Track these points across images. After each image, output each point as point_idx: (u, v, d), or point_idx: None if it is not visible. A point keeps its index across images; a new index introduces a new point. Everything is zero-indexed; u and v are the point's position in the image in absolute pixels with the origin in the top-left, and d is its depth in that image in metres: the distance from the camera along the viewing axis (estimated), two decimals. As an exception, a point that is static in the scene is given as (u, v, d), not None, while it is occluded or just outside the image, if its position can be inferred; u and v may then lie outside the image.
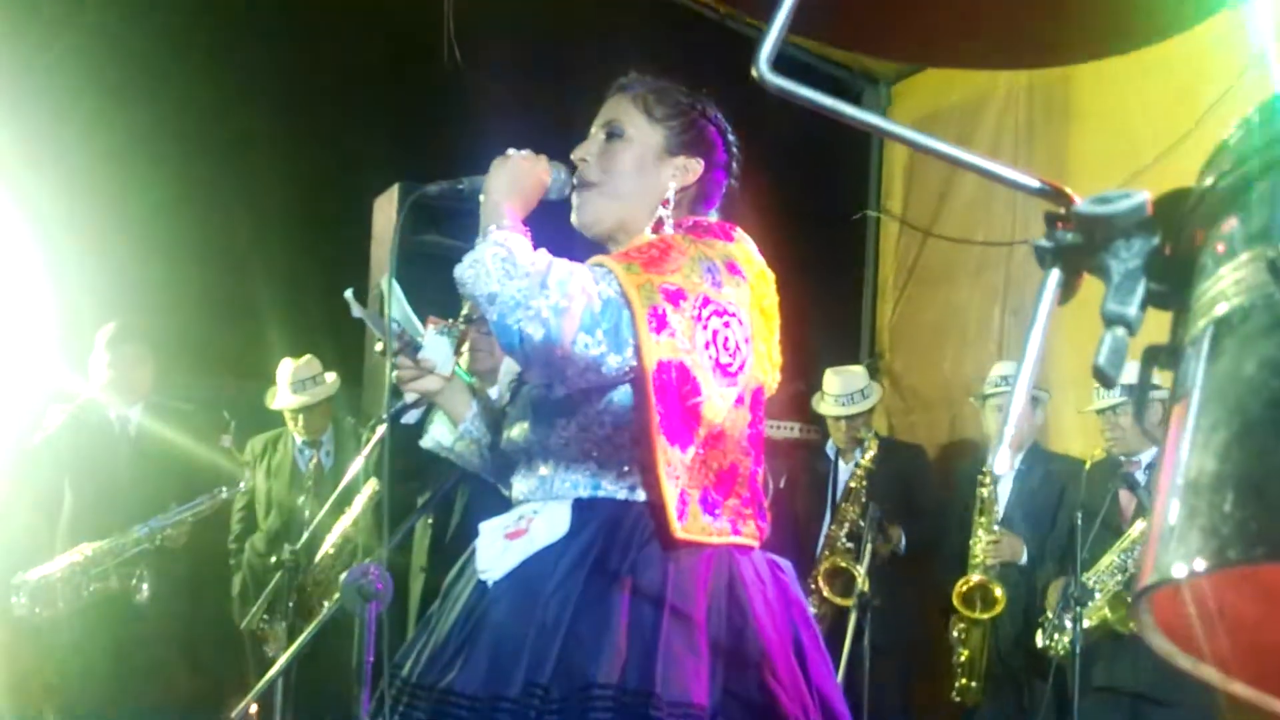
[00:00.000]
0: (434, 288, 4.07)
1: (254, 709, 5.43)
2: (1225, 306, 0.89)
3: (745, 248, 2.42)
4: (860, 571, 4.94)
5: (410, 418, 3.68)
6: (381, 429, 3.53)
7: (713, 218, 2.55)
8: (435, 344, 2.45)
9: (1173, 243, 1.02)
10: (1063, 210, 1.07)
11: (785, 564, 2.40)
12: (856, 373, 6.10)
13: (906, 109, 7.22)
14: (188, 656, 5.25)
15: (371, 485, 4.22)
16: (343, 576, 2.55)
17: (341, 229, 6.06)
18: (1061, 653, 4.65)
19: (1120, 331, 1.04)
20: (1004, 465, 1.04)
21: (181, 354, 5.44)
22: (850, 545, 5.50)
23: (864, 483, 5.67)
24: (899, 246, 7.36)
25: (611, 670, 2.04)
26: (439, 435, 2.62)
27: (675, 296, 2.17)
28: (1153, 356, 1.08)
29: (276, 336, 5.73)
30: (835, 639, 4.87)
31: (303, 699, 4.40)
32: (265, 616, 4.29)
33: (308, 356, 5.32)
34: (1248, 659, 1.06)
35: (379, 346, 2.44)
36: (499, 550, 2.25)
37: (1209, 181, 0.96)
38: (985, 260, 6.77)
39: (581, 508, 2.23)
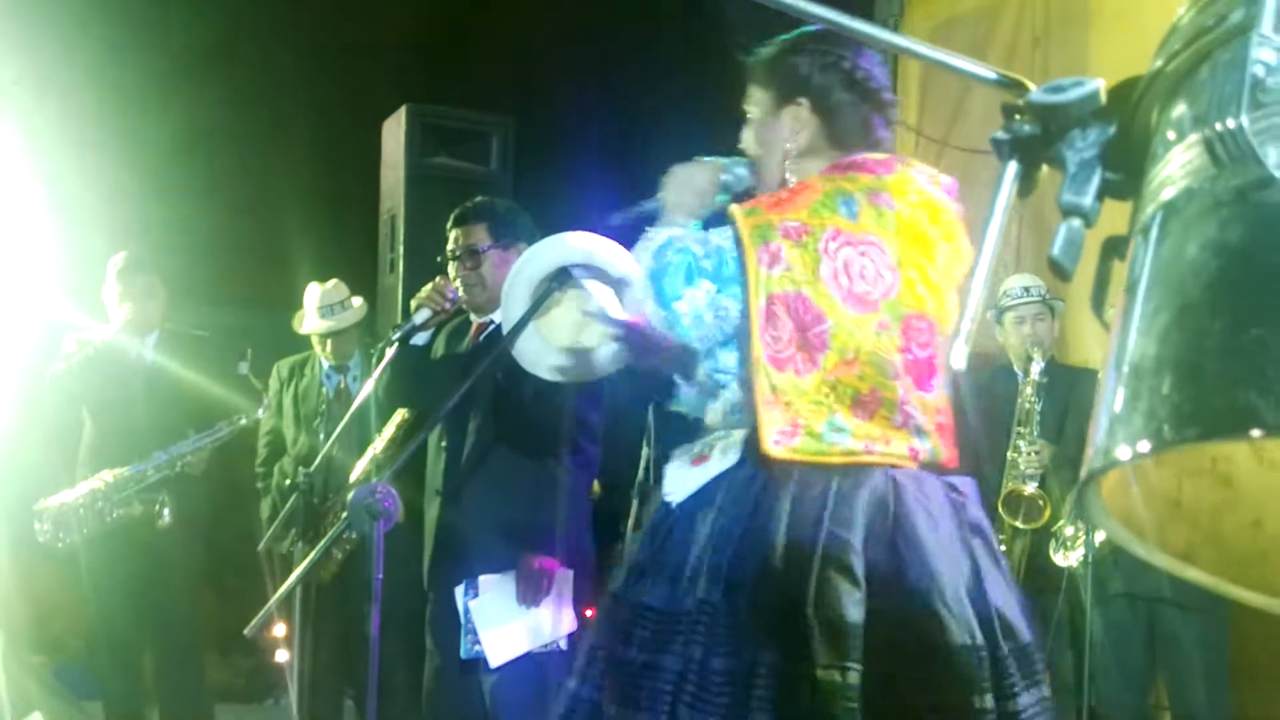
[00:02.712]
0: (446, 208, 4.08)
1: (284, 630, 5.56)
2: (1172, 191, 0.89)
3: (906, 178, 2.41)
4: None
5: (420, 339, 3.71)
6: (391, 351, 3.54)
7: (879, 151, 2.50)
8: None
9: (1127, 131, 1.01)
10: (1020, 101, 1.06)
11: (965, 484, 2.41)
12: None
13: (921, 17, 7.10)
14: (212, 581, 5.35)
15: (401, 414, 4.23)
16: (349, 496, 2.58)
17: (351, 154, 6.06)
18: (1076, 565, 4.64)
19: (1076, 223, 1.03)
20: (959, 360, 1.04)
21: (194, 287, 5.46)
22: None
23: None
24: (914, 159, 7.28)
25: (771, 589, 2.16)
26: None
27: (797, 232, 2.28)
28: (1113, 247, 1.07)
29: (290, 264, 5.73)
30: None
31: (324, 619, 4.48)
32: (295, 540, 4.34)
33: (335, 281, 5.30)
34: (1207, 546, 1.07)
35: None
36: (683, 476, 2.40)
37: (1159, 64, 0.95)
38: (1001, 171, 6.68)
39: (751, 437, 2.33)
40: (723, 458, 2.35)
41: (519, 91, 6.48)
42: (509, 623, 3.46)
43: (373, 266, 5.98)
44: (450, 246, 3.70)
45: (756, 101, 2.57)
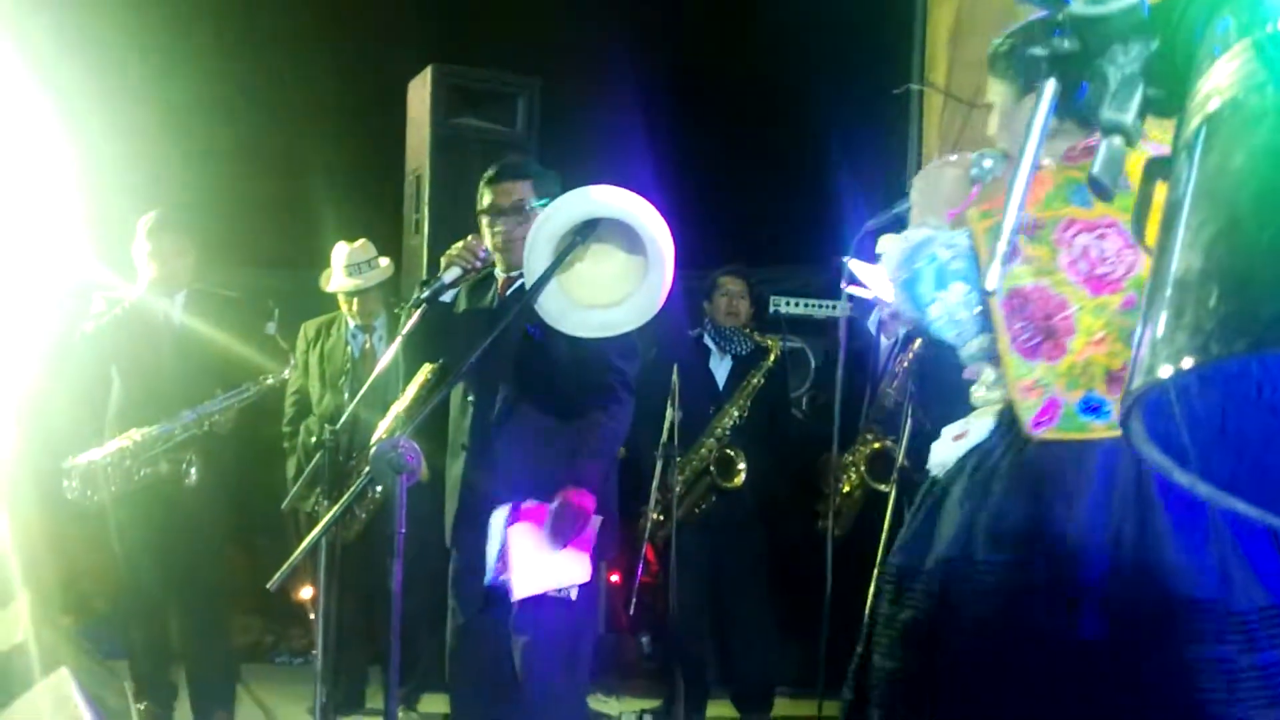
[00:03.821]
0: (471, 169, 4.05)
1: (310, 592, 5.58)
2: (1217, 102, 0.85)
3: (1141, 156, 2.44)
4: (900, 450, 4.89)
5: (448, 296, 3.69)
6: (419, 312, 3.51)
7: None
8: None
9: (1171, 44, 0.97)
10: (1059, 16, 1.03)
11: None
12: None
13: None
14: (239, 539, 5.36)
15: (425, 372, 4.22)
16: (371, 450, 2.56)
17: (377, 115, 6.02)
18: None
19: (1118, 141, 1.00)
20: (993, 282, 1.01)
21: (223, 248, 5.45)
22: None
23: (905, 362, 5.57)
24: (943, 120, 7.20)
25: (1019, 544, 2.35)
26: None
27: (1031, 227, 2.42)
28: (1155, 169, 1.04)
29: (316, 224, 5.72)
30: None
31: (349, 578, 4.49)
32: (320, 498, 4.34)
33: (362, 240, 5.29)
34: (1252, 477, 1.04)
35: None
36: (948, 449, 2.56)
37: (1206, -27, 0.92)
38: (1032, 131, 6.59)
39: (1004, 412, 2.50)
40: (978, 432, 2.53)
41: (545, 52, 6.44)
42: (540, 556, 3.41)
43: (398, 227, 5.95)
44: (491, 201, 3.64)
45: (998, 93, 2.63)
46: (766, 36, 7.15)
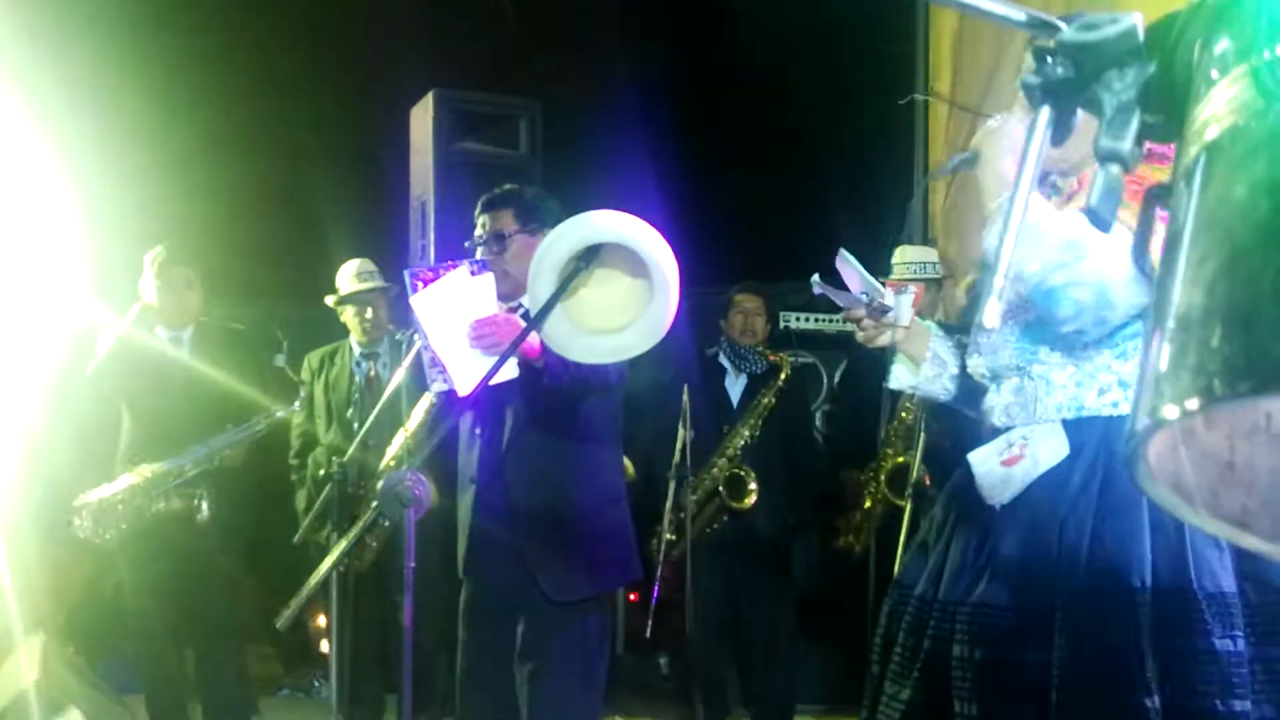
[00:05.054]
0: (475, 194, 4.04)
1: (322, 620, 5.56)
2: (1216, 130, 0.82)
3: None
4: (916, 462, 4.85)
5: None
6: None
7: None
8: (898, 303, 2.66)
9: (1167, 69, 0.94)
10: (1052, 43, 1.00)
11: None
12: (928, 250, 5.86)
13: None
14: (254, 573, 5.34)
15: (429, 397, 4.20)
16: (379, 484, 2.54)
17: (380, 142, 6.02)
18: None
19: (1115, 169, 0.97)
20: (993, 319, 0.98)
21: (229, 282, 5.44)
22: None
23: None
24: (949, 129, 7.17)
25: (1145, 573, 2.18)
26: (901, 375, 2.78)
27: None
28: (1155, 196, 1.01)
29: (322, 255, 5.72)
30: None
31: (363, 608, 4.47)
32: (331, 530, 4.33)
33: (364, 259, 5.34)
34: (1264, 511, 1.01)
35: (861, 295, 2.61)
36: (1000, 477, 2.38)
37: (1200, -3, 0.89)
38: (1039, 138, 6.55)
39: (1071, 428, 2.34)
40: (1051, 453, 2.34)
41: (548, 74, 6.43)
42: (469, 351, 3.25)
43: (404, 254, 5.95)
44: (477, 232, 3.66)
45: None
46: (770, 52, 7.13)
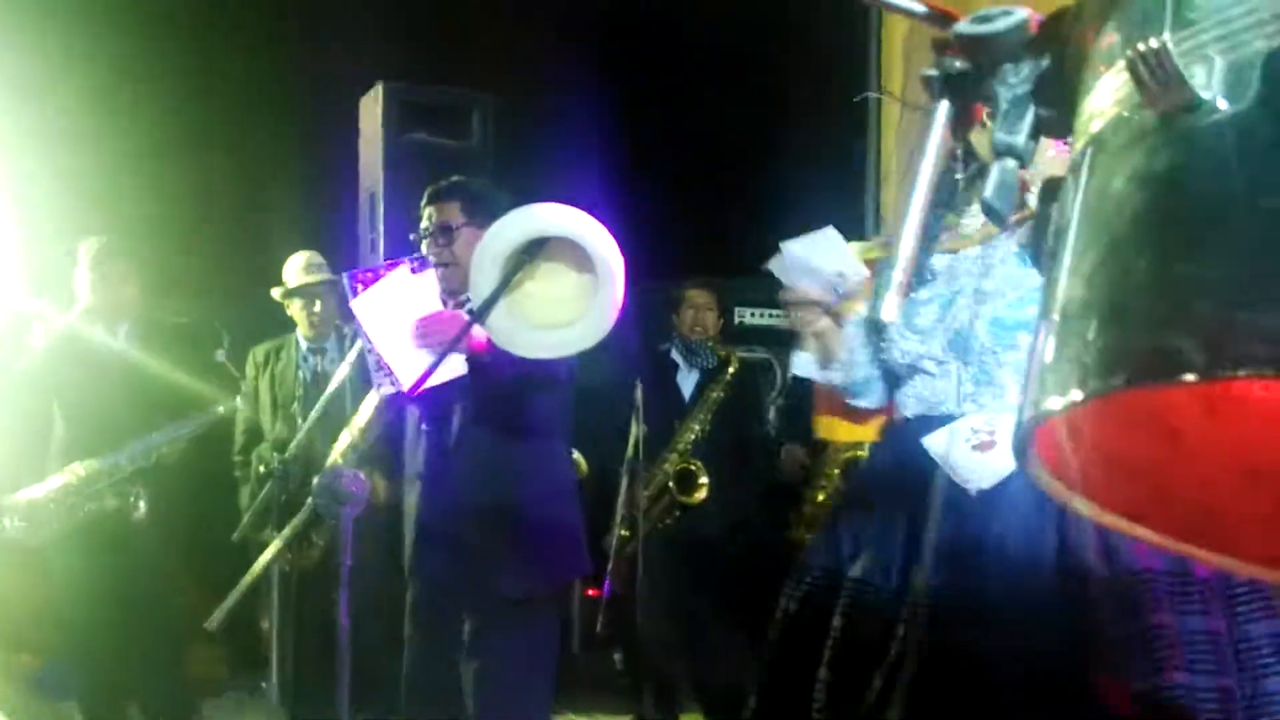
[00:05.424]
0: (426, 186, 4.01)
1: (265, 624, 5.49)
2: (1100, 123, 0.83)
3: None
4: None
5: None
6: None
7: None
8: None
9: (1061, 63, 0.94)
10: (949, 36, 1.00)
11: None
12: (869, 245, 5.88)
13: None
14: (192, 572, 5.24)
15: (375, 395, 4.16)
16: (315, 480, 2.52)
17: (329, 133, 5.97)
18: None
19: (1010, 163, 0.97)
20: (891, 313, 0.98)
21: (172, 276, 5.34)
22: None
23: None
24: (900, 126, 7.20)
25: (1152, 556, 2.17)
26: (805, 364, 2.83)
27: None
28: (1050, 191, 1.01)
29: (269, 249, 5.64)
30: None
31: (307, 608, 4.41)
32: (272, 528, 4.27)
33: (312, 251, 5.27)
34: (1156, 503, 1.01)
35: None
36: (976, 462, 2.35)
37: (1088, -10, 0.89)
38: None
39: None
40: None
41: (502, 67, 6.40)
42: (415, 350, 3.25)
43: (354, 247, 5.90)
44: (423, 224, 3.62)
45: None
46: (725, 47, 7.14)
